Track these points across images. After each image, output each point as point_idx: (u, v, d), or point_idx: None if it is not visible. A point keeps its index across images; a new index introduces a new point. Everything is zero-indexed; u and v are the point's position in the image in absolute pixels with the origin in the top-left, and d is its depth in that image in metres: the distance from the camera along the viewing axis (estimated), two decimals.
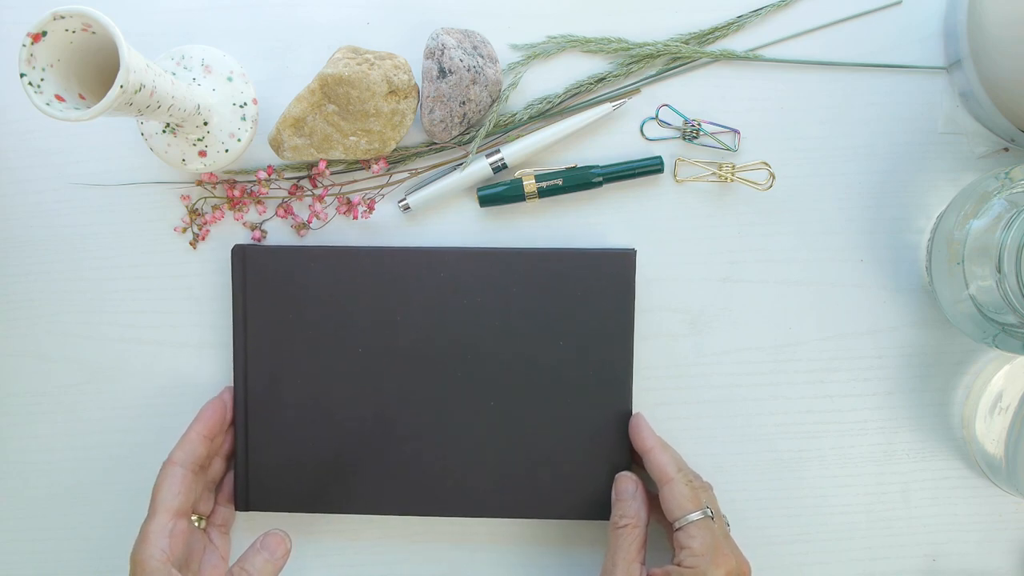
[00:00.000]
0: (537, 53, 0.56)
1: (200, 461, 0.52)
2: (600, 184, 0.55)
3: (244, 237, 0.57)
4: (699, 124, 0.56)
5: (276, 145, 0.54)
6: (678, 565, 0.48)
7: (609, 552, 0.50)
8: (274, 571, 0.49)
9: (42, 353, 0.58)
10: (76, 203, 0.57)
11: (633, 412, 0.54)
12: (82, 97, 0.44)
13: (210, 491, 0.55)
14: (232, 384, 0.55)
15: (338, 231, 0.57)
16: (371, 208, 0.56)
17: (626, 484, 0.52)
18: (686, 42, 0.56)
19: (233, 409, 0.55)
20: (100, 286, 0.58)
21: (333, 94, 0.52)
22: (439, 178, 0.56)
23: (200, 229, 0.57)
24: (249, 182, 0.57)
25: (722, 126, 0.56)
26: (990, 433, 0.54)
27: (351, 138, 0.54)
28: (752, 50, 0.56)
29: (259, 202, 0.57)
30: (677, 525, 0.49)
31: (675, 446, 0.54)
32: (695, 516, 0.49)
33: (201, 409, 0.53)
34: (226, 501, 0.56)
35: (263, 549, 0.49)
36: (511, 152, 0.55)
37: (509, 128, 0.56)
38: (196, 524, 0.53)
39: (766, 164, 0.56)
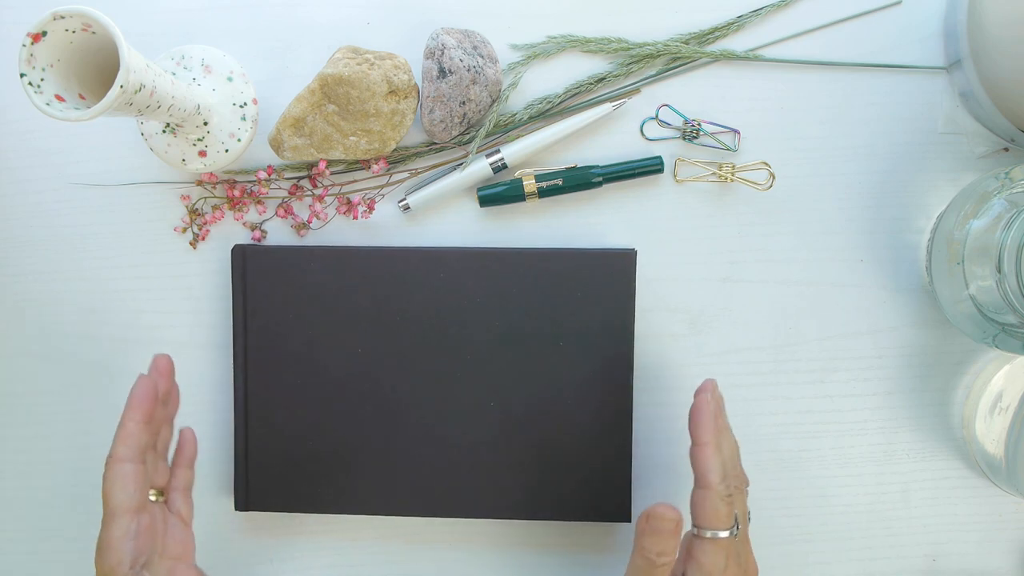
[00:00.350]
0: (537, 53, 0.56)
1: (145, 448, 0.48)
2: (600, 184, 0.55)
3: (244, 237, 0.57)
4: (699, 124, 0.56)
5: (276, 145, 0.54)
6: None
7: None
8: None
9: (42, 353, 0.58)
10: (76, 203, 0.57)
11: (704, 380, 0.50)
12: (82, 97, 0.44)
13: (163, 459, 0.52)
14: (168, 353, 0.52)
15: (338, 231, 0.57)
16: (371, 208, 0.56)
17: (665, 524, 0.46)
18: (686, 42, 0.56)
19: (168, 376, 0.51)
20: (100, 286, 0.58)
21: (333, 94, 0.52)
22: (439, 178, 0.56)
23: (200, 229, 0.57)
24: (249, 182, 0.57)
25: (722, 126, 0.56)
26: (990, 433, 0.54)
27: (351, 138, 0.54)
28: (752, 50, 0.56)
29: (259, 202, 0.57)
30: (697, 532, 0.47)
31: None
32: (720, 535, 0.46)
33: (130, 395, 0.49)
34: (183, 463, 0.53)
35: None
36: (511, 152, 0.55)
37: (509, 128, 0.56)
38: (153, 499, 0.50)
39: (766, 164, 0.56)
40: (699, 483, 0.47)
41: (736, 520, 0.47)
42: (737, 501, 0.47)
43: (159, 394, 0.49)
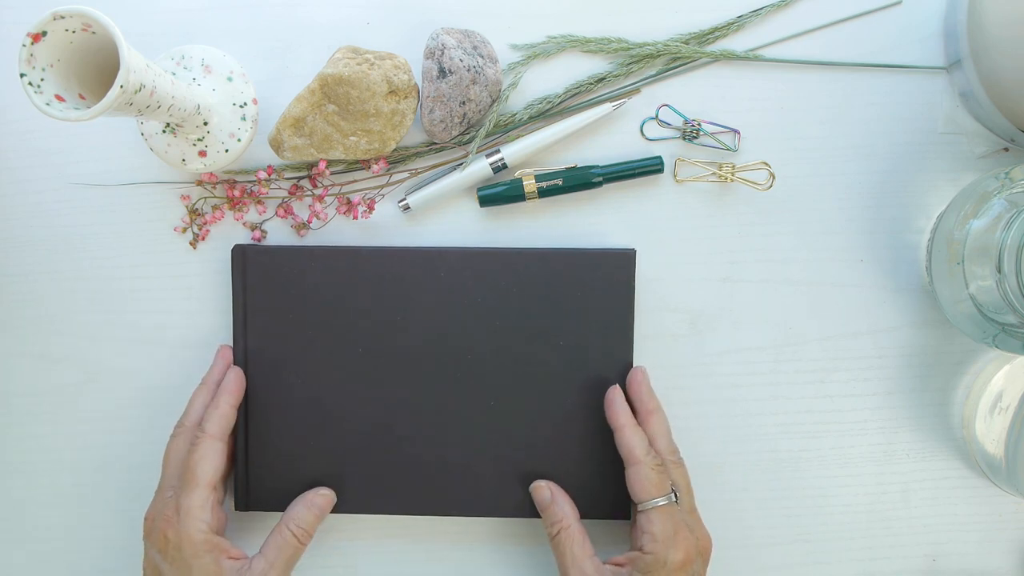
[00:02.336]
0: (537, 53, 0.56)
1: (230, 431, 0.53)
2: (600, 184, 0.55)
3: (244, 237, 0.57)
4: (699, 124, 0.56)
5: (276, 145, 0.54)
6: (640, 550, 0.49)
7: (558, 561, 0.51)
8: (313, 518, 0.52)
9: (42, 353, 0.58)
10: (76, 203, 0.57)
11: (632, 367, 0.54)
12: (82, 97, 0.44)
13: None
14: (231, 343, 0.56)
15: (338, 231, 0.57)
16: (371, 208, 0.56)
17: (543, 494, 0.53)
18: (686, 42, 0.56)
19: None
20: (100, 286, 0.58)
21: (333, 94, 0.52)
22: (439, 178, 0.56)
23: (200, 229, 0.57)
24: (249, 182, 0.57)
25: (722, 126, 0.56)
26: (990, 433, 0.54)
27: (351, 138, 0.54)
28: (752, 50, 0.56)
29: (259, 202, 0.57)
30: (640, 508, 0.50)
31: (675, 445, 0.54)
32: (658, 502, 0.49)
33: (226, 379, 0.53)
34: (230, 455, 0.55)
35: (304, 501, 0.53)
36: (511, 152, 0.55)
37: (509, 128, 0.56)
38: None
39: (766, 164, 0.56)
40: (628, 461, 0.51)
41: (673, 488, 0.50)
42: (675, 472, 0.51)
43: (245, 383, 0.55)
